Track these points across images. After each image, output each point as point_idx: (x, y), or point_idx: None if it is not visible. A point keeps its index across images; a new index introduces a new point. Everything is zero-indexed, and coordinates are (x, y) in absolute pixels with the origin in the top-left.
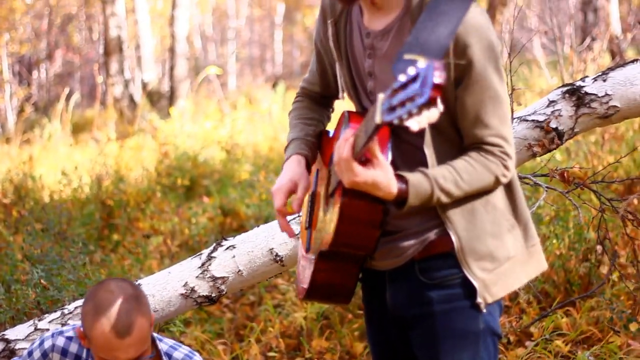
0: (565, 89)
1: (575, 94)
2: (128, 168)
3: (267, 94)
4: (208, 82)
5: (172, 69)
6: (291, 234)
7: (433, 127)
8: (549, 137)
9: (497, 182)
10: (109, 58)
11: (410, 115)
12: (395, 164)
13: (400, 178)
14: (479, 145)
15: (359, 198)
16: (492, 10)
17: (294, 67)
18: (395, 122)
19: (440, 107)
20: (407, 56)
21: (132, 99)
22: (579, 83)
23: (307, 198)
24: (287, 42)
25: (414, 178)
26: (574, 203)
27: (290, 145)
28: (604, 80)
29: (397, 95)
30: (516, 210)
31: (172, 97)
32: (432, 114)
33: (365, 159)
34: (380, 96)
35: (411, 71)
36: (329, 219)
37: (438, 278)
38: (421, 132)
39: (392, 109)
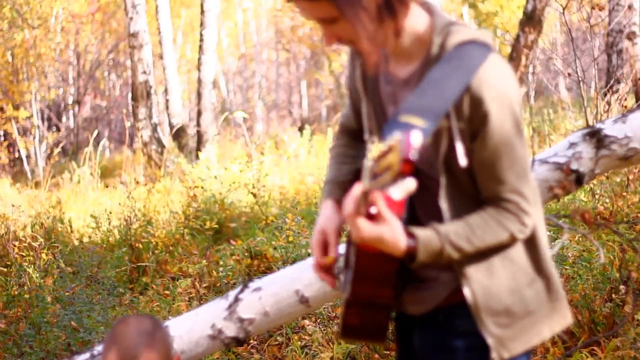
0: (585, 131)
1: (596, 136)
2: (156, 211)
3: (293, 138)
4: (235, 126)
5: (199, 113)
6: (332, 284)
7: (450, 180)
8: (570, 178)
9: (513, 238)
10: (137, 103)
11: (387, 185)
12: (416, 213)
13: (410, 234)
14: (495, 200)
15: (371, 250)
16: (517, 54)
17: (321, 111)
18: (378, 189)
19: (412, 183)
20: (403, 118)
21: (160, 143)
22: (599, 125)
23: (345, 239)
24: (313, 86)
25: (424, 234)
26: (596, 243)
27: (324, 188)
28: (624, 123)
29: (379, 162)
30: (538, 263)
31: (199, 141)
32: (409, 185)
33: (373, 214)
34: (366, 162)
35: (388, 141)
36: (352, 264)
37: (462, 326)
38: (439, 184)
39: (374, 176)
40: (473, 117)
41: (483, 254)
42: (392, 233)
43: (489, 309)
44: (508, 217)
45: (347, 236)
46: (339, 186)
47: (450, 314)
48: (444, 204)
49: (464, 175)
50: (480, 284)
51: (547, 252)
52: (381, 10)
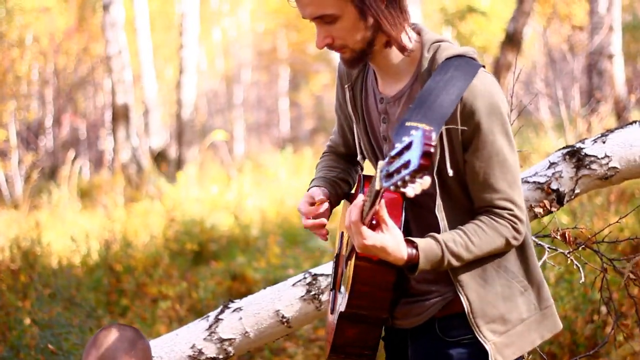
0: (565, 150)
1: (576, 156)
2: (136, 233)
3: (274, 159)
4: (215, 147)
5: (179, 134)
6: (323, 236)
7: (444, 191)
8: (550, 198)
9: (509, 245)
10: (116, 124)
11: (404, 182)
12: (409, 227)
13: (410, 243)
14: (489, 209)
15: (372, 261)
16: (497, 74)
17: (301, 132)
18: (392, 188)
19: (428, 179)
20: (408, 123)
21: (139, 165)
22: (578, 145)
23: (332, 260)
24: (293, 107)
25: (424, 243)
26: (576, 263)
27: (311, 183)
28: (604, 142)
29: (393, 162)
30: (529, 272)
31: (179, 162)
32: (425, 182)
33: (375, 223)
34: (380, 163)
35: (405, 139)
36: (347, 280)
37: (457, 336)
38: (433, 196)
39: (389, 175)
40: (465, 126)
41: (478, 263)
42: (394, 241)
43: (485, 315)
44: (503, 224)
45: (335, 257)
46: (326, 181)
47: (445, 324)
48: (439, 214)
49: (456, 187)
50: (476, 291)
51: (536, 261)
52: (388, 5)
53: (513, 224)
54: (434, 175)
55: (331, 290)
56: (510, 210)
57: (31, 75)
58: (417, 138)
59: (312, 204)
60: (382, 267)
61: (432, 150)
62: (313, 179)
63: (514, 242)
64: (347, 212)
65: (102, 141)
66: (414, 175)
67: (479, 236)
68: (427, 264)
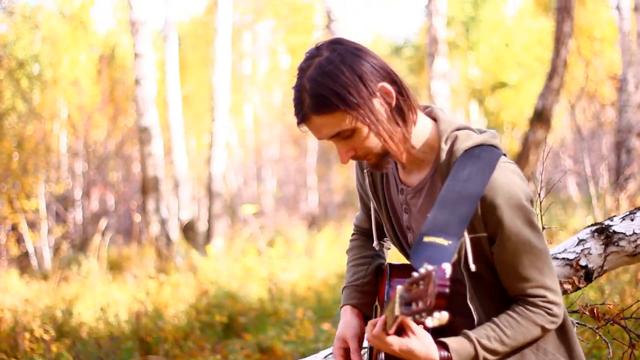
0: (594, 227)
1: (604, 233)
2: (166, 305)
3: (302, 233)
4: (244, 221)
5: (209, 207)
6: None
7: (475, 283)
8: (579, 274)
9: (545, 331)
10: (146, 196)
11: (421, 316)
12: None
13: (441, 345)
14: (522, 298)
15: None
16: (526, 151)
17: (329, 207)
18: (410, 318)
19: (445, 314)
20: (426, 239)
21: (168, 237)
22: (607, 222)
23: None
24: (322, 180)
25: (456, 343)
26: (604, 339)
27: (343, 292)
28: (632, 220)
29: (411, 290)
30: (570, 352)
31: (208, 235)
32: (442, 316)
33: (401, 329)
34: (399, 288)
35: (422, 270)
36: None
37: None
38: (464, 285)
39: (407, 303)
40: (488, 222)
41: (516, 349)
42: (422, 346)
43: None
44: (537, 312)
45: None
46: (357, 290)
47: None
48: (472, 304)
49: (488, 275)
50: None
51: (577, 339)
52: (394, 114)
53: (548, 311)
54: (462, 268)
55: None
56: (544, 297)
57: (60, 147)
58: (432, 277)
59: (346, 350)
60: None
61: (447, 290)
62: (344, 287)
63: (552, 327)
64: (367, 326)
65: (132, 213)
66: (431, 311)
67: (514, 328)
68: None
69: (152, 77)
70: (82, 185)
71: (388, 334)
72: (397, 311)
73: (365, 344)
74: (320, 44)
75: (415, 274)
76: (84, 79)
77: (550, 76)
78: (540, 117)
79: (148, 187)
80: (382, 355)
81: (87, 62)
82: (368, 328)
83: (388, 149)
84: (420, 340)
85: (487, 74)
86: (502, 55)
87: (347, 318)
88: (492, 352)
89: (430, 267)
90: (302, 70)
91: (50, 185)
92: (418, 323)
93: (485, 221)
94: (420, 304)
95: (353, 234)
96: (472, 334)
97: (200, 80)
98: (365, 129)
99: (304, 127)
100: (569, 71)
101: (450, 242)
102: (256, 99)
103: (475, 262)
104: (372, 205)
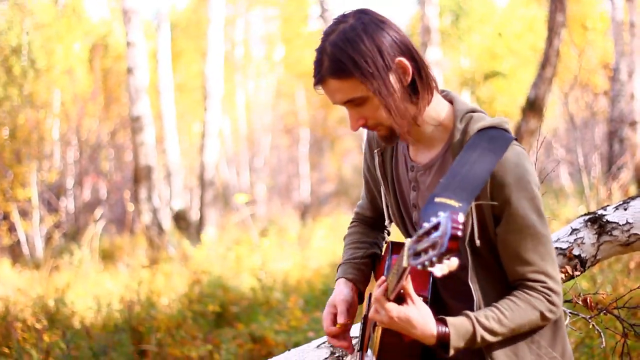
0: (587, 217)
1: (597, 222)
2: (158, 294)
3: (295, 222)
4: (237, 210)
5: (201, 196)
6: (348, 349)
7: (477, 262)
8: (572, 263)
9: (544, 318)
10: (138, 185)
11: (431, 262)
12: (441, 297)
13: (440, 321)
14: (522, 282)
15: (398, 334)
16: (518, 140)
17: (322, 196)
18: (419, 267)
19: (455, 260)
20: (438, 199)
21: (160, 227)
22: (600, 212)
23: (360, 321)
24: (315, 170)
25: (454, 319)
26: (597, 329)
27: (339, 269)
28: (625, 209)
29: (421, 241)
30: (562, 346)
31: (200, 224)
32: (452, 263)
33: (401, 298)
34: (407, 241)
35: (434, 219)
36: (374, 345)
37: None
38: (465, 267)
39: (417, 254)
40: (495, 200)
41: (512, 338)
42: (420, 315)
43: None
44: (536, 296)
45: (363, 318)
46: (353, 266)
47: None
48: (472, 285)
49: (490, 258)
50: None
51: (567, 336)
52: (407, 90)
53: (547, 297)
54: (466, 246)
55: (358, 351)
56: (543, 282)
57: (53, 136)
58: (445, 220)
59: (335, 315)
60: (408, 340)
61: (459, 233)
62: (340, 264)
63: (550, 315)
64: (374, 288)
65: (124, 202)
66: (442, 257)
67: (512, 309)
68: (459, 340)
69: (144, 66)
70: (75, 174)
71: (389, 300)
72: (404, 262)
73: (355, 332)
74: (348, 12)
75: (426, 224)
76: (77, 67)
77: (543, 65)
78: (533, 107)
79: (140, 176)
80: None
81: (81, 50)
82: (374, 291)
83: (392, 124)
84: (419, 311)
85: (479, 63)
86: (495, 44)
87: (340, 287)
88: (490, 331)
89: (443, 214)
90: (327, 34)
91: (42, 174)
92: (426, 272)
93: (493, 199)
94: (431, 252)
95: (353, 221)
96: (470, 312)
97: (192, 69)
98: (376, 100)
99: (320, 90)
100: (561, 60)
101: (460, 205)
102: (249, 88)
103: (479, 238)
104: (382, 189)
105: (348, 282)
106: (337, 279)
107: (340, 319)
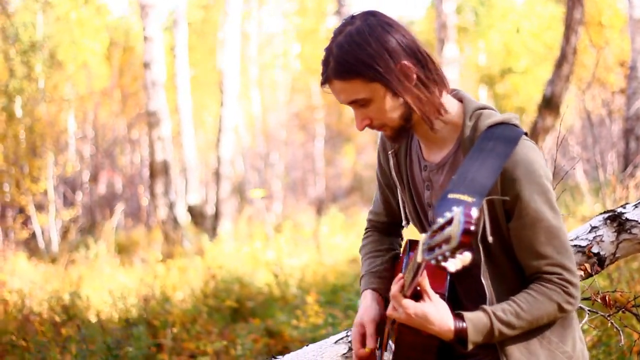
0: (606, 215)
1: (617, 220)
2: (174, 289)
3: (310, 218)
4: (252, 205)
5: (217, 191)
6: None
7: (489, 258)
8: (591, 261)
9: (562, 310)
10: (154, 180)
11: (445, 257)
12: (457, 295)
13: (458, 316)
14: (538, 276)
15: (415, 330)
16: (534, 138)
17: (337, 192)
18: (433, 262)
19: (468, 255)
20: (451, 195)
21: (176, 221)
22: (620, 210)
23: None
24: (330, 166)
25: (472, 314)
26: (616, 326)
27: (361, 281)
28: None
29: (435, 236)
30: (574, 342)
31: (216, 219)
32: (465, 257)
33: (418, 294)
34: (422, 236)
35: (447, 214)
36: (393, 343)
37: None
38: (478, 264)
39: (431, 249)
40: (506, 195)
41: (523, 334)
42: (437, 310)
43: None
44: (552, 288)
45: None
46: (375, 275)
47: None
48: (484, 281)
49: (502, 255)
50: None
51: (580, 332)
52: (417, 85)
53: (564, 288)
54: (478, 242)
55: (378, 349)
56: (560, 274)
57: (69, 130)
58: (458, 215)
59: (364, 335)
60: (425, 337)
61: (472, 228)
62: (362, 276)
63: (568, 307)
64: (393, 284)
65: (140, 197)
66: (455, 251)
67: (529, 302)
68: (477, 335)
69: (161, 60)
70: (90, 168)
71: (405, 297)
72: (419, 258)
73: None
74: (357, 13)
75: (440, 220)
76: (94, 62)
77: (560, 63)
78: (549, 104)
79: (156, 170)
80: (391, 343)
81: (99, 45)
82: (392, 289)
83: (390, 130)
84: (435, 307)
85: (497, 60)
86: (512, 41)
87: (367, 302)
88: (508, 324)
89: (457, 209)
90: (335, 35)
91: (58, 168)
92: (440, 268)
93: (504, 194)
94: (444, 246)
95: (367, 230)
96: (487, 306)
97: (207, 64)
98: (380, 102)
99: (327, 89)
100: (578, 58)
101: (474, 199)
102: (265, 84)
103: (492, 234)
104: (398, 190)
105: (374, 292)
106: (362, 291)
107: (370, 344)
